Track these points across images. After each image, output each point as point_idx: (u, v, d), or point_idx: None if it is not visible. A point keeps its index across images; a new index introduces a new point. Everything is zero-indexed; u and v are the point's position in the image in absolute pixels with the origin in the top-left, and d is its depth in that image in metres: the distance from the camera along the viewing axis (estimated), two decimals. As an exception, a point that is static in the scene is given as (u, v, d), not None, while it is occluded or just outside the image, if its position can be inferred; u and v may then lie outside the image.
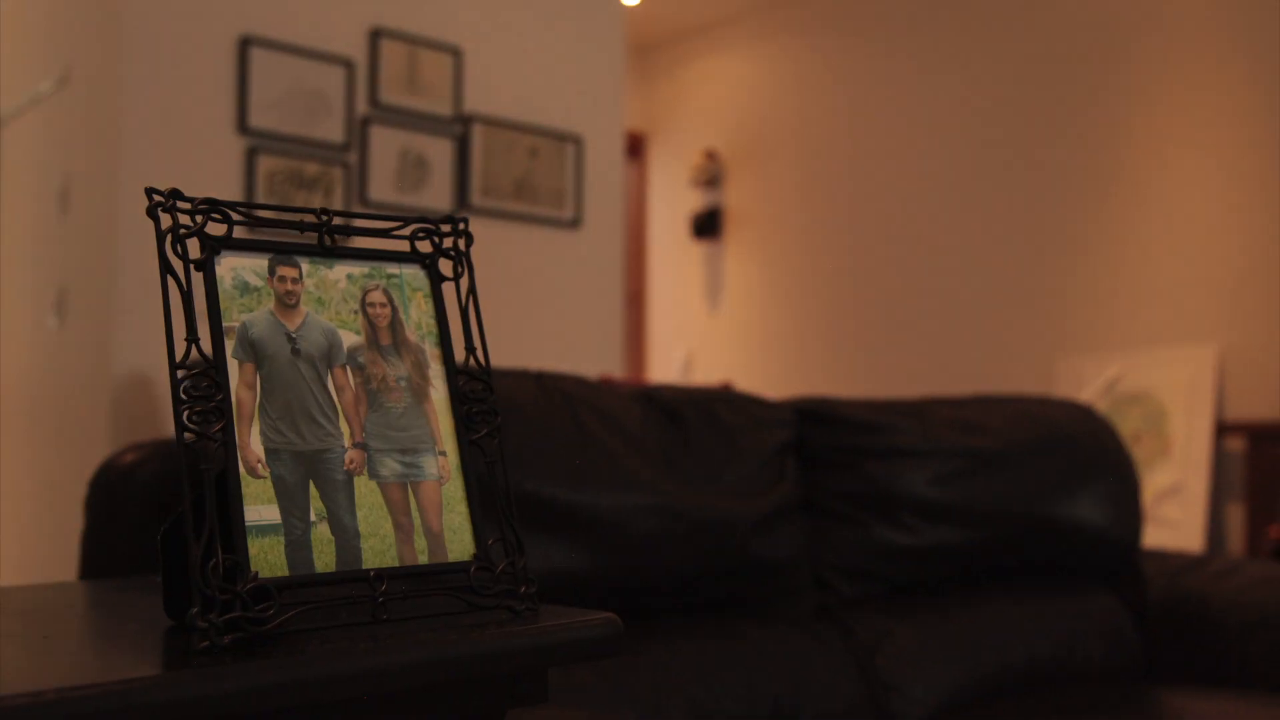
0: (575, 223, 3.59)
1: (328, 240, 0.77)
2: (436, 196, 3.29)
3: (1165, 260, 3.88)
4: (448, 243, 0.82)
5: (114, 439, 2.73)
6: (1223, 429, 3.62)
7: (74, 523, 1.53)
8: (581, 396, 1.57)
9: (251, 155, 2.97)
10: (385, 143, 3.22)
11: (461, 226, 0.82)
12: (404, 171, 3.25)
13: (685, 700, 1.47)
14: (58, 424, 3.12)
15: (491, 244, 3.34)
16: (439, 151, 3.32)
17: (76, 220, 3.07)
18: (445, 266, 0.82)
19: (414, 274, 0.80)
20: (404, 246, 0.82)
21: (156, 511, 1.17)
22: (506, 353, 2.12)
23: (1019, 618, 1.89)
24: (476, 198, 3.36)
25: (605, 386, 1.66)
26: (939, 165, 4.60)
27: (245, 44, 2.97)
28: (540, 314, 3.51)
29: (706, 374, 5.56)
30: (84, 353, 2.96)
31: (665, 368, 5.93)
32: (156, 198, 0.70)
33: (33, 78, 3.43)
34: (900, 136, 4.78)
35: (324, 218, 0.76)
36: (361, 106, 3.20)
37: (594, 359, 3.56)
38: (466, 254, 0.81)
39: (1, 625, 0.75)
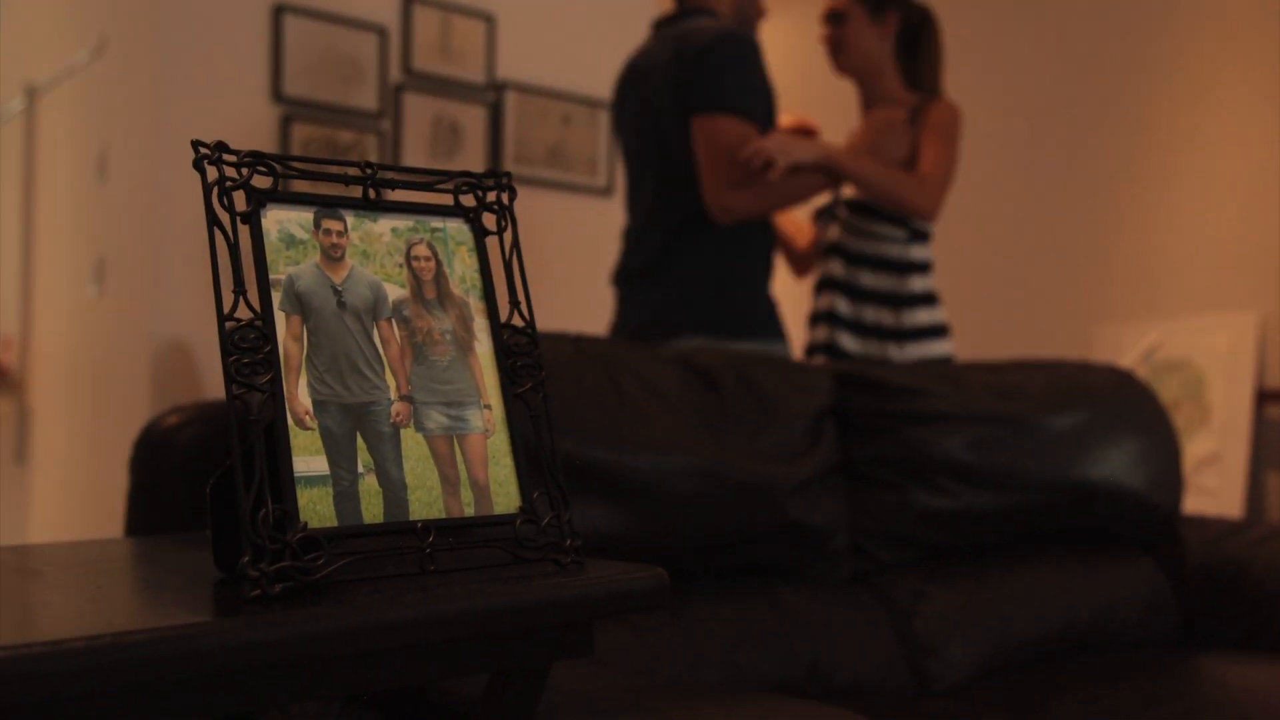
0: (608, 190, 3.58)
1: (372, 194, 0.77)
2: (469, 164, 3.29)
3: (1205, 226, 3.83)
4: (491, 197, 0.81)
5: (153, 405, 2.76)
6: (1263, 397, 3.58)
7: (116, 487, 1.54)
8: (619, 359, 1.57)
9: (286, 123, 2.98)
10: (419, 110, 3.22)
11: (505, 180, 0.81)
12: (437, 139, 3.25)
13: (723, 661, 1.47)
14: (98, 391, 3.16)
15: (524, 211, 3.34)
16: (472, 119, 3.32)
17: (114, 189, 3.09)
18: (489, 221, 0.82)
19: (458, 228, 0.80)
20: (447, 202, 0.82)
21: (200, 472, 1.18)
22: (539, 319, 2.12)
23: (1057, 582, 1.88)
24: (509, 165, 3.36)
25: (643, 350, 1.66)
26: (972, 134, 4.54)
27: (279, 11, 2.97)
28: (572, 281, 3.50)
29: (739, 343, 5.54)
30: (123, 320, 2.99)
31: (698, 337, 5.91)
32: (203, 150, 0.70)
33: (69, 48, 3.45)
34: (935, 102, 4.73)
35: (369, 170, 0.76)
36: (395, 74, 3.19)
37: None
38: (510, 208, 0.81)
39: (55, 577, 0.76)
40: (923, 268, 2.46)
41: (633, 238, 2.49)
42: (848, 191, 2.48)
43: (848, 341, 2.43)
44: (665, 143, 2.38)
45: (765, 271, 2.42)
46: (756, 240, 2.40)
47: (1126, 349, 3.92)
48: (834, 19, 2.56)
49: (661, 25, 2.51)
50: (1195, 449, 3.59)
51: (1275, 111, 3.68)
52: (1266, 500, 3.58)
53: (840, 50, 2.56)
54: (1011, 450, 1.86)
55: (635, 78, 2.48)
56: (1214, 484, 3.55)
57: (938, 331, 2.46)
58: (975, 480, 1.82)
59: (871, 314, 2.43)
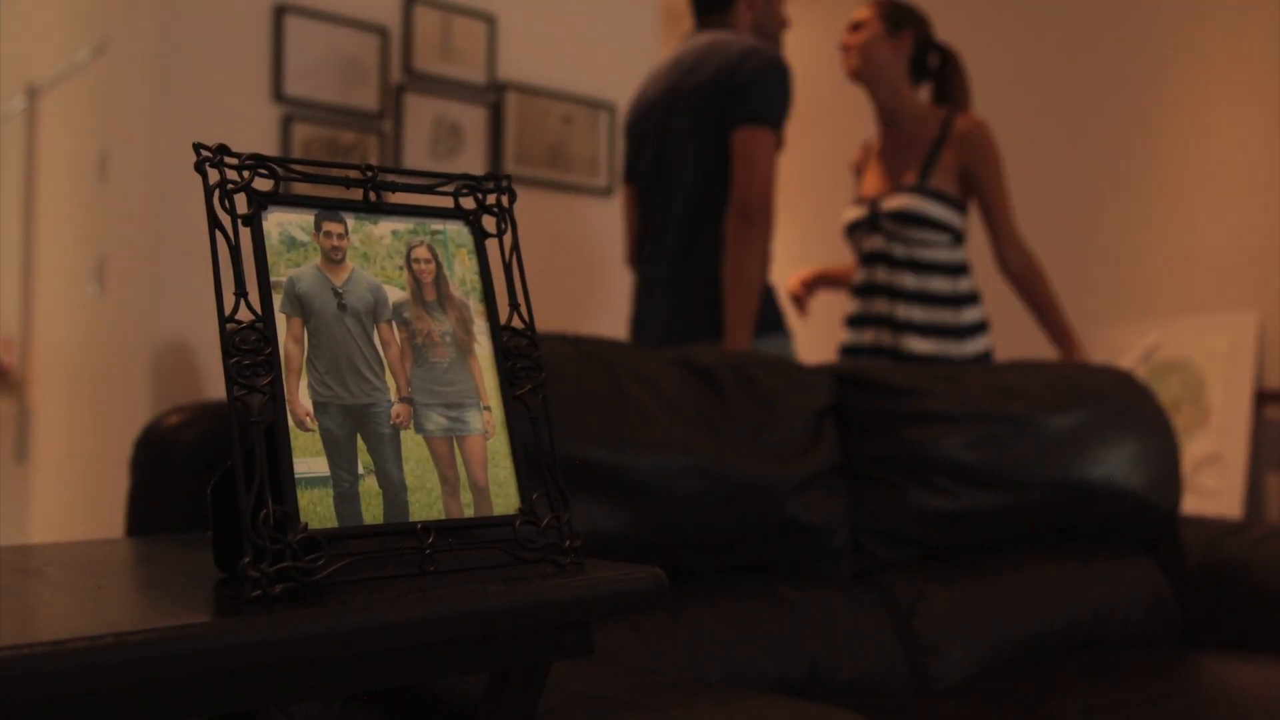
0: (608, 190, 3.59)
1: (373, 196, 0.77)
2: (470, 164, 3.30)
3: (1205, 226, 3.84)
4: (491, 199, 0.82)
5: (154, 404, 2.76)
6: (1263, 397, 3.58)
7: (117, 486, 1.55)
8: (619, 360, 1.57)
9: (287, 123, 2.98)
10: (419, 111, 3.22)
11: (505, 183, 0.82)
12: (438, 139, 3.25)
13: (723, 660, 1.48)
14: (99, 390, 3.16)
15: (525, 211, 3.34)
16: (473, 119, 3.32)
17: (115, 188, 3.10)
18: (489, 224, 0.82)
19: (458, 230, 0.81)
20: (447, 205, 0.82)
21: (201, 472, 1.19)
22: (539, 319, 2.13)
23: (1056, 582, 1.88)
24: (510, 165, 3.36)
25: (642, 350, 1.66)
26: (975, 131, 4.54)
27: (280, 12, 2.97)
28: (573, 281, 3.51)
29: (740, 343, 5.53)
30: (124, 319, 2.99)
31: (698, 336, 5.90)
32: (205, 153, 0.71)
33: (70, 47, 3.46)
34: (936, 102, 4.73)
35: (369, 173, 0.76)
36: (396, 74, 3.20)
37: (628, 325, 3.57)
38: (510, 210, 0.81)
39: (56, 577, 0.77)
40: (967, 269, 2.61)
41: (649, 246, 2.58)
42: (888, 204, 2.59)
43: (917, 344, 2.53)
44: (686, 151, 2.48)
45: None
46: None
47: (1126, 349, 3.93)
48: (854, 27, 2.71)
49: (688, 38, 2.65)
50: (1195, 449, 3.59)
51: (1275, 112, 3.68)
52: (1266, 500, 3.58)
53: (853, 56, 2.70)
54: (1011, 450, 1.86)
55: (660, 89, 2.59)
56: (1213, 484, 3.55)
57: (986, 327, 2.63)
58: (975, 480, 1.82)
59: (935, 314, 2.54)
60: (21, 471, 3.83)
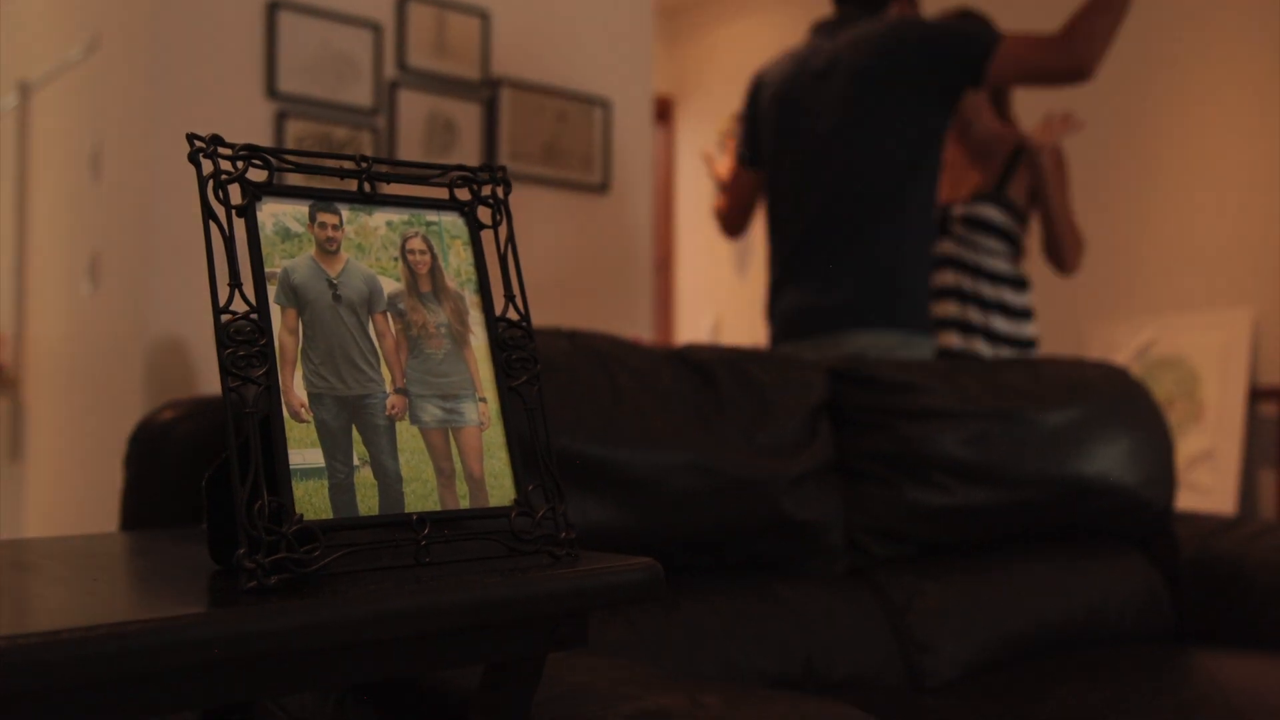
0: (603, 187, 3.59)
1: (368, 187, 0.77)
2: (464, 160, 3.29)
3: (1200, 223, 3.84)
4: (486, 190, 0.82)
5: (148, 401, 2.75)
6: (1256, 394, 3.59)
7: (112, 481, 1.54)
8: (614, 355, 1.57)
9: (280, 119, 2.97)
10: (413, 107, 3.21)
11: (500, 174, 0.82)
12: (432, 135, 3.25)
13: (718, 657, 1.48)
14: (93, 387, 3.16)
15: (519, 208, 3.34)
16: (467, 115, 3.31)
17: (108, 185, 3.09)
18: (484, 215, 0.82)
19: (453, 221, 0.81)
20: (442, 196, 0.82)
21: (195, 466, 1.19)
22: (535, 315, 2.12)
23: (1051, 578, 1.88)
24: (504, 161, 3.35)
25: (638, 346, 1.66)
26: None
27: (274, 8, 2.97)
28: (568, 278, 3.51)
29: (735, 338, 5.54)
30: (118, 316, 2.99)
31: (694, 332, 5.92)
32: (198, 143, 0.70)
33: (62, 44, 3.45)
34: (930, 100, 4.73)
35: (364, 164, 0.76)
36: (389, 70, 3.19)
37: (623, 323, 3.56)
38: (505, 202, 0.81)
39: (51, 570, 0.76)
40: (1027, 284, 2.69)
41: (791, 246, 2.69)
42: (961, 210, 2.67)
43: (983, 348, 2.61)
44: (850, 140, 2.49)
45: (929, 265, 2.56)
46: (929, 234, 2.52)
47: (1121, 346, 3.93)
48: None
49: (828, 29, 2.68)
50: (1189, 446, 3.60)
51: (1270, 109, 3.69)
52: (1259, 497, 3.59)
53: None
54: (1006, 446, 1.86)
55: (807, 80, 2.63)
56: (1207, 481, 3.56)
57: (1035, 344, 2.70)
58: (970, 476, 1.82)
59: (1001, 323, 2.62)
60: (16, 468, 3.82)
